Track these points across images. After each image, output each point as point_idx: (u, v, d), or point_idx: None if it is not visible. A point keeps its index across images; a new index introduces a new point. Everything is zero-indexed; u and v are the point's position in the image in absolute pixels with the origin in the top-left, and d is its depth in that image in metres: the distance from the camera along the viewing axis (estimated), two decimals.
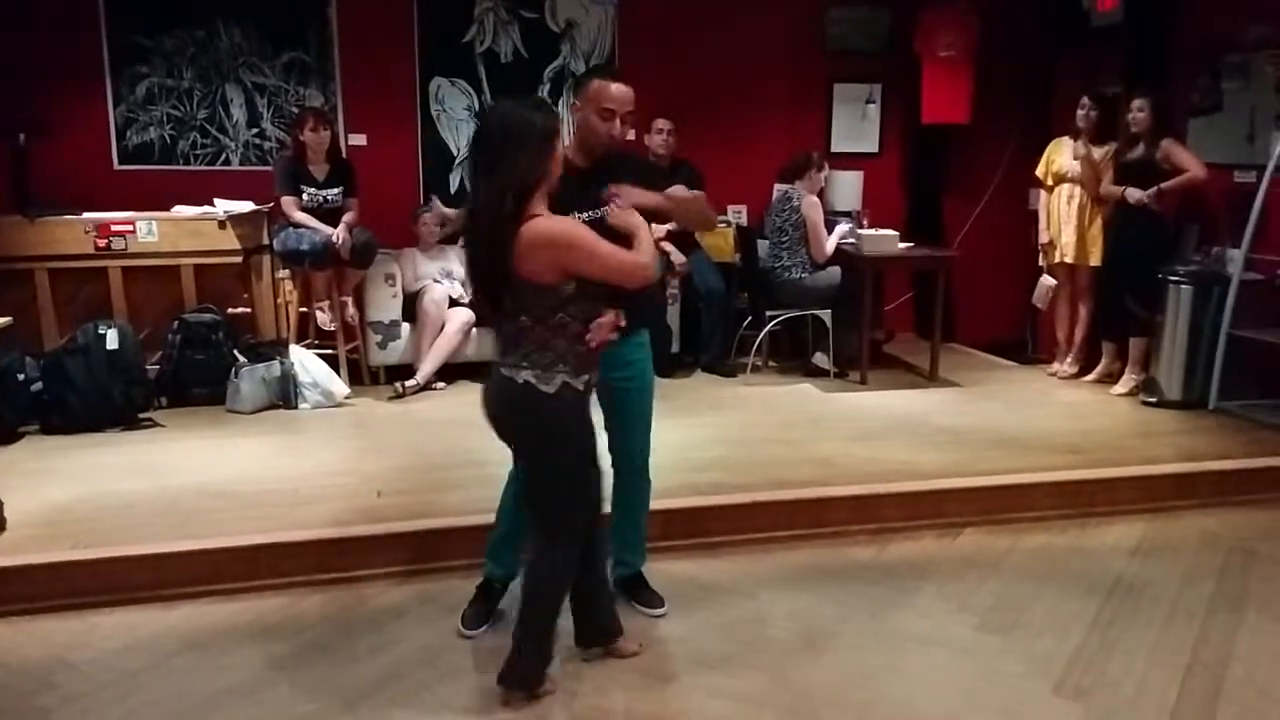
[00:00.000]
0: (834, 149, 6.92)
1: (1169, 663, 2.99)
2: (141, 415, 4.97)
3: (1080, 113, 5.66)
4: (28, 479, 4.09)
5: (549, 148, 2.57)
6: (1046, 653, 3.04)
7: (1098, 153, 5.65)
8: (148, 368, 5.20)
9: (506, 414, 2.70)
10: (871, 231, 6.06)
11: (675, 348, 6.16)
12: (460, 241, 2.72)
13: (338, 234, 5.32)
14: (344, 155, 5.77)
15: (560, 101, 6.33)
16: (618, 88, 2.96)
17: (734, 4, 6.65)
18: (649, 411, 3.20)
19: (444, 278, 5.82)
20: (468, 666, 2.96)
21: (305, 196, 5.43)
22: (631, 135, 6.24)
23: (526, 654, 2.76)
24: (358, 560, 3.51)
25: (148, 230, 5.34)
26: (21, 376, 4.76)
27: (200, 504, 3.86)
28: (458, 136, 6.49)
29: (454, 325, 5.65)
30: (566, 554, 2.76)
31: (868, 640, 3.13)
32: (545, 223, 2.55)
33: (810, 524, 3.92)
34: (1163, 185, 5.28)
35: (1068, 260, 5.87)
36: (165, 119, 6.03)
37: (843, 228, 6.01)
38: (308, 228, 5.35)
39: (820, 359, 6.02)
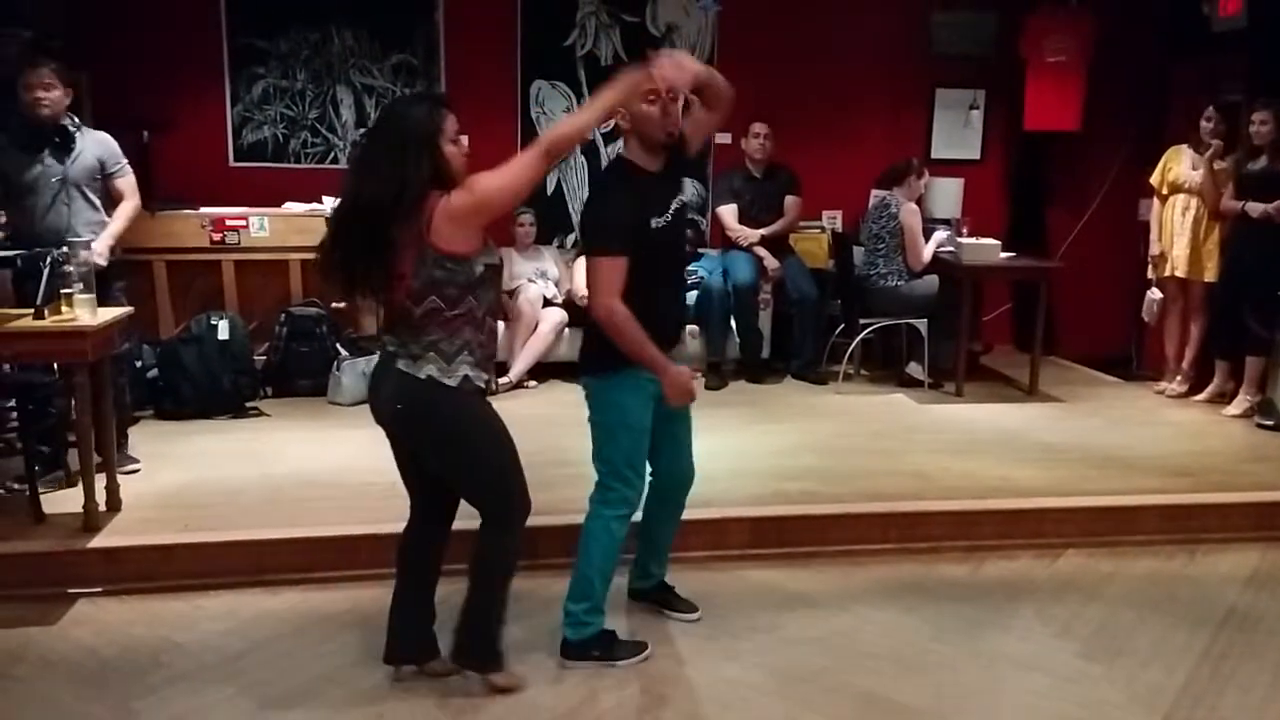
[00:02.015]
0: (934, 155, 6.79)
1: None
2: (248, 404, 5.16)
3: (1206, 125, 5.42)
4: (143, 462, 4.27)
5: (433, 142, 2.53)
6: (1154, 685, 2.93)
7: (1219, 163, 5.42)
8: (255, 358, 5.39)
9: (410, 413, 2.62)
10: (971, 240, 5.91)
11: (766, 353, 6.12)
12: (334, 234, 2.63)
13: None
14: None
15: None
16: None
17: (836, 8, 6.57)
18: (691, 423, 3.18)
19: (538, 278, 5.89)
20: (555, 665, 2.98)
21: None
22: (728, 139, 6.34)
23: (477, 637, 2.78)
24: (451, 554, 3.54)
25: (259, 226, 5.54)
26: (139, 363, 4.98)
27: (302, 493, 3.99)
28: None
29: (547, 325, 5.72)
30: (513, 541, 2.78)
31: (964, 661, 3.05)
32: (456, 193, 2.52)
33: (903, 538, 3.85)
34: None
35: (1179, 274, 5.64)
36: (278, 118, 6.23)
37: (941, 235, 5.88)
38: None
39: (915, 369, 5.90)
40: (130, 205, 4.24)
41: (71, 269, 3.49)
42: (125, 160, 4.28)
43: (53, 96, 3.98)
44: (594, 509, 3.03)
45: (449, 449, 2.67)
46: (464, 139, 2.70)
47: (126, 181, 4.25)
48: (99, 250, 3.94)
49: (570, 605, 3.01)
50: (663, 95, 2.81)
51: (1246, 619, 3.35)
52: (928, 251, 5.70)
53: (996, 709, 2.81)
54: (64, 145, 4.05)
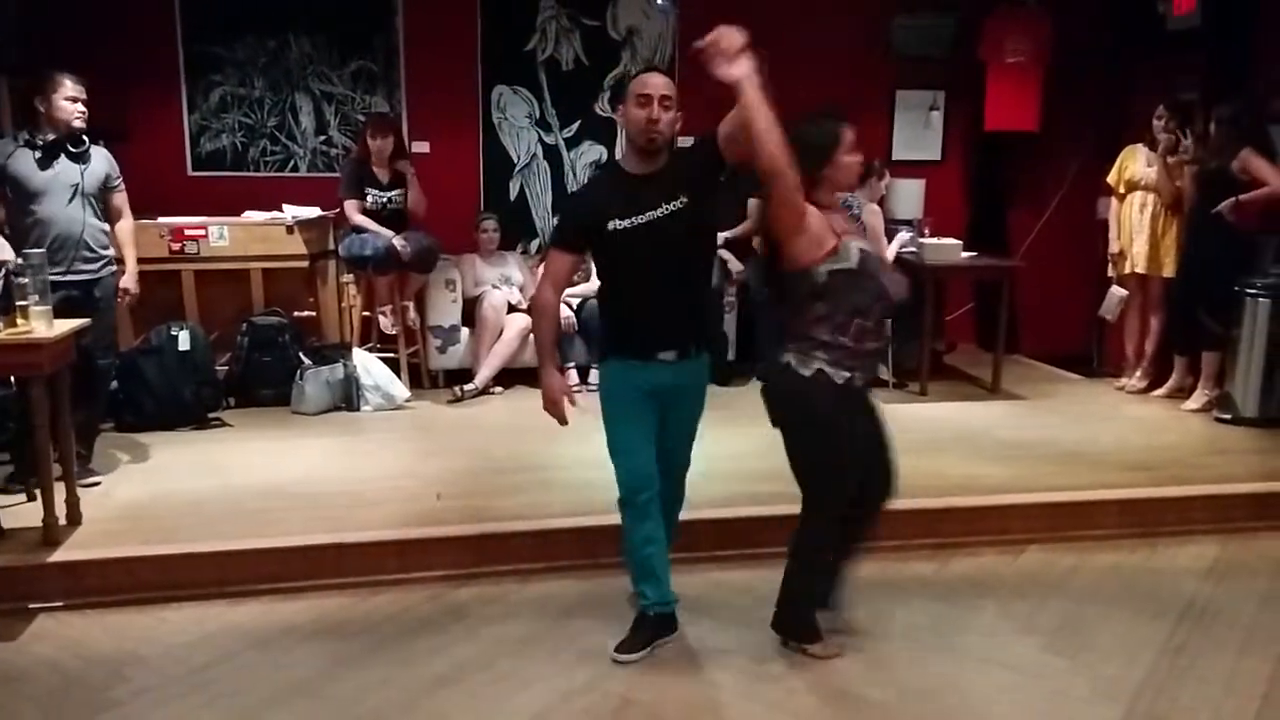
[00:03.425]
0: (895, 157, 6.84)
1: (1245, 691, 2.90)
2: (211, 415, 5.09)
3: (1158, 123, 5.51)
4: (104, 475, 4.21)
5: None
6: (1115, 677, 2.96)
7: (1173, 159, 5.51)
8: (217, 369, 5.32)
9: (770, 394, 2.97)
10: (933, 240, 5.98)
11: (731, 356, 6.13)
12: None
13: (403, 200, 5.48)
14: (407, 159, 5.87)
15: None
16: (650, 74, 3.04)
17: (796, 11, 6.59)
18: (698, 425, 3.26)
19: (502, 284, 5.87)
20: (525, 670, 2.98)
21: (369, 199, 5.53)
22: (690, 141, 6.34)
23: (788, 609, 3.06)
24: (419, 562, 3.56)
25: (219, 235, 5.48)
26: None
27: (266, 503, 3.95)
28: (518, 144, 6.55)
29: (511, 331, 5.70)
30: (822, 527, 3.00)
31: (929, 658, 3.08)
32: None
33: (870, 537, 3.86)
34: (1241, 198, 5.12)
35: (1139, 271, 5.73)
36: (237, 126, 6.17)
37: (903, 236, 5.94)
38: (369, 231, 5.45)
39: (879, 369, 5.94)
40: (131, 225, 4.41)
41: (27, 280, 3.43)
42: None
43: (86, 110, 4.08)
44: None
45: (791, 430, 2.94)
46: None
47: (124, 197, 4.37)
48: (133, 284, 4.37)
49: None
50: (654, 100, 2.92)
51: (1205, 611, 3.41)
52: (890, 252, 5.74)
53: (965, 705, 2.83)
54: (80, 154, 4.11)
